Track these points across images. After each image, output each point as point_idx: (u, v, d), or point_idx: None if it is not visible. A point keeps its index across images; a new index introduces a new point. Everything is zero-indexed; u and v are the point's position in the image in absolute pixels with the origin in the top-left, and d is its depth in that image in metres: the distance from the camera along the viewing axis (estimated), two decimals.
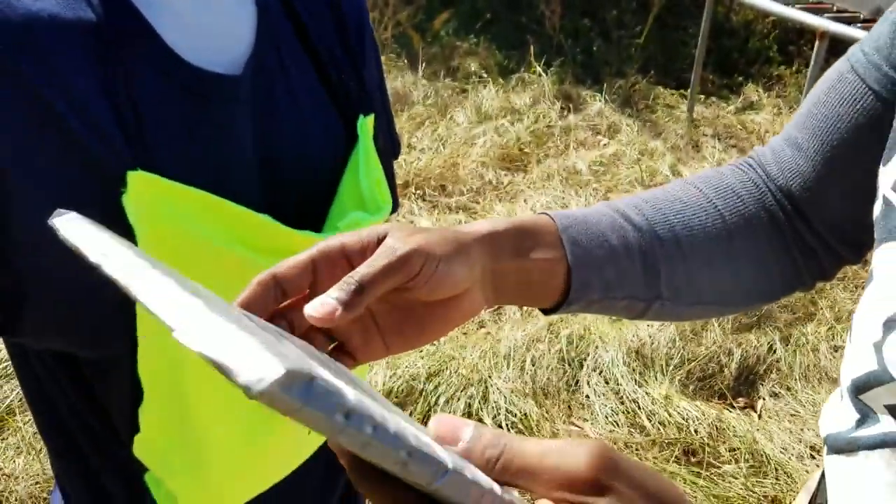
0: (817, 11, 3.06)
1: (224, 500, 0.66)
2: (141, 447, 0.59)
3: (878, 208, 0.50)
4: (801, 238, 0.60)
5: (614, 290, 0.54)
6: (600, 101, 4.01)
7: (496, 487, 0.27)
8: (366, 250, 0.42)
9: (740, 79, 4.47)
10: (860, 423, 0.47)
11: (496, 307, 2.30)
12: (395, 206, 0.68)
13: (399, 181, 2.88)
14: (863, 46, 0.54)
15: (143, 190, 0.49)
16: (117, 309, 0.50)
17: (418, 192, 3.09)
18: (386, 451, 0.23)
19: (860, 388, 0.47)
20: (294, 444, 0.68)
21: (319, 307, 0.38)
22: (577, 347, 2.16)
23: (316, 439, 0.68)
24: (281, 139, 0.59)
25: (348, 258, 0.42)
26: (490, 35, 4.54)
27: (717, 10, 4.46)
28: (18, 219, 0.48)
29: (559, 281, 0.51)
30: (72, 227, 0.33)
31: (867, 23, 2.99)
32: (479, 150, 3.39)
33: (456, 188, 3.14)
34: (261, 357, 0.19)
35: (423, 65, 4.19)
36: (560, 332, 2.21)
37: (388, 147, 0.74)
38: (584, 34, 4.60)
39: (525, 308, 2.36)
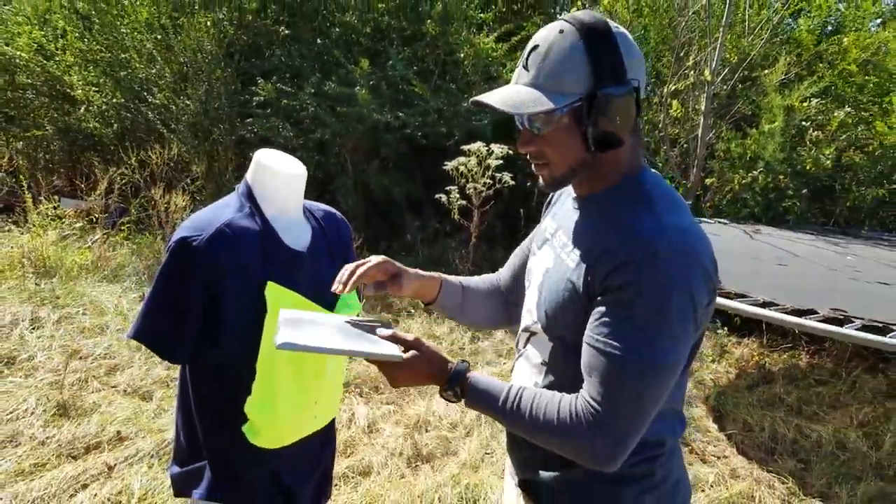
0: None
1: (284, 434, 1.45)
2: (248, 406, 1.40)
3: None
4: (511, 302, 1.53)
5: (453, 299, 1.45)
6: (504, 329, 5.07)
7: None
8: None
9: None
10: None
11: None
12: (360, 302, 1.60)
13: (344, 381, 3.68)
14: None
15: (271, 290, 1.39)
16: (256, 339, 1.37)
17: (356, 390, 3.90)
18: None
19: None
20: (324, 409, 1.50)
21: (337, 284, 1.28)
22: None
23: (334, 407, 1.53)
24: (321, 279, 1.52)
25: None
26: None
27: None
28: (229, 311, 1.36)
29: (435, 294, 1.43)
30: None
31: None
32: None
33: (387, 388, 3.96)
34: (280, 335, 1.18)
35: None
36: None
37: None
38: None
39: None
